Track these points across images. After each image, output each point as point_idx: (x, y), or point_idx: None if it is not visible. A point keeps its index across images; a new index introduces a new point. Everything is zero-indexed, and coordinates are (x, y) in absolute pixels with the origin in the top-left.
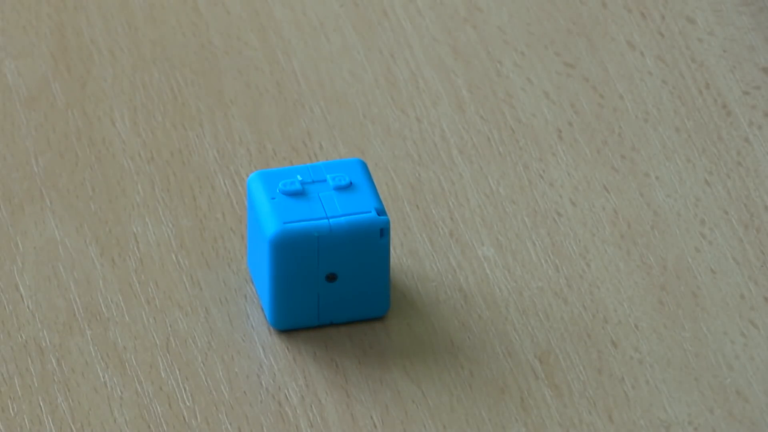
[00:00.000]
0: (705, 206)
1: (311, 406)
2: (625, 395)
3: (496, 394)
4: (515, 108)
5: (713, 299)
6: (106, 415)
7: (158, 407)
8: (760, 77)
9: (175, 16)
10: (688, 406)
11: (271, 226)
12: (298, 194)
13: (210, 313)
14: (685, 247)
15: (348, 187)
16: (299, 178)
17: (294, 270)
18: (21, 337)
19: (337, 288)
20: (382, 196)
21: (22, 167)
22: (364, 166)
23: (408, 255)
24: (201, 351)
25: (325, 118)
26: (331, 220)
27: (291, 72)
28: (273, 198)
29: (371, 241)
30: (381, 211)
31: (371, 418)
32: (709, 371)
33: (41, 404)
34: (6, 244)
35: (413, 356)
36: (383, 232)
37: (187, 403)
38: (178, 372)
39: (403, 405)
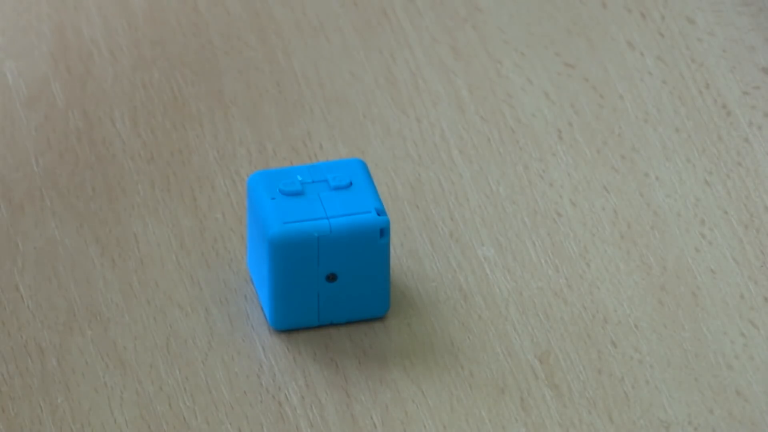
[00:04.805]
0: (705, 206)
1: (311, 406)
2: (625, 395)
3: (496, 394)
4: (515, 108)
5: (713, 299)
6: (106, 415)
7: (158, 407)
8: (760, 77)
9: (175, 16)
10: (688, 406)
11: (271, 226)
12: (298, 194)
13: (210, 313)
14: (685, 247)
15: (348, 187)
16: (299, 178)
17: (294, 270)
18: (21, 337)
19: (337, 288)
20: (382, 196)
21: (22, 167)
22: (364, 166)
23: (408, 255)
24: (201, 351)
25: (325, 118)
26: (331, 220)
27: (291, 72)
28: (273, 198)
29: (371, 241)
30: (381, 211)
31: (371, 418)
32: (709, 371)
33: (41, 404)
34: (6, 244)
35: (413, 356)
36: (383, 232)
37: (187, 403)
38: (178, 372)
39: (403, 405)
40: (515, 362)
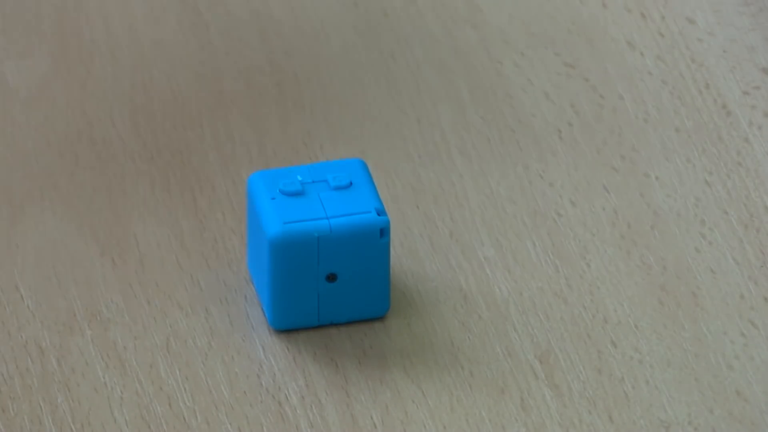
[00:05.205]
0: (705, 206)
1: (311, 406)
2: (625, 395)
3: (496, 394)
4: (515, 108)
5: (713, 299)
6: (106, 415)
7: (158, 407)
8: (760, 77)
9: (175, 16)
10: (688, 406)
11: (271, 226)
12: (298, 194)
13: (210, 313)
14: (685, 247)
15: (348, 187)
16: (299, 178)
17: (294, 270)
18: (21, 337)
19: (337, 288)
20: (382, 196)
21: (22, 167)
22: (364, 166)
23: (408, 255)
24: (201, 351)
25: (325, 118)
26: (331, 220)
27: (291, 72)
28: (273, 198)
29: (371, 241)
30: (381, 211)
31: (371, 418)
32: (709, 371)
33: (41, 404)
34: (6, 244)
35: (413, 356)
36: (383, 232)
37: (187, 403)
38: (178, 372)
39: (403, 405)
40: (515, 362)
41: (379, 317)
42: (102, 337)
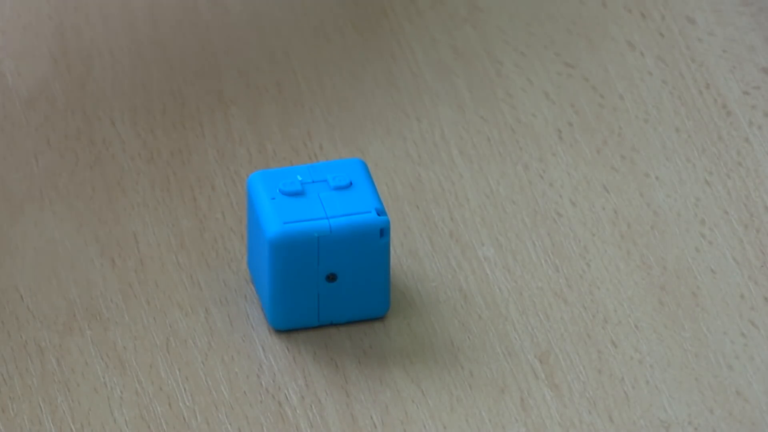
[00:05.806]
0: (705, 206)
1: (311, 406)
2: (625, 395)
3: (496, 394)
4: (515, 108)
5: (713, 299)
6: (106, 415)
7: (158, 407)
8: (760, 77)
9: (175, 16)
10: (688, 406)
11: (271, 226)
12: (298, 194)
13: (210, 313)
14: (685, 247)
15: (348, 187)
16: (299, 178)
17: (294, 270)
18: (21, 337)
19: (337, 288)
20: (382, 196)
21: (22, 167)
22: (364, 166)
23: (408, 255)
24: (201, 351)
25: (325, 118)
26: (331, 220)
27: (291, 72)
28: (273, 198)
29: (371, 241)
30: (381, 211)
31: (371, 418)
32: (709, 371)
33: (41, 404)
34: (6, 244)
35: (413, 356)
36: (383, 232)
37: (187, 403)
38: (178, 372)
39: (403, 405)
40: (515, 362)
41: (379, 317)
42: (102, 337)
